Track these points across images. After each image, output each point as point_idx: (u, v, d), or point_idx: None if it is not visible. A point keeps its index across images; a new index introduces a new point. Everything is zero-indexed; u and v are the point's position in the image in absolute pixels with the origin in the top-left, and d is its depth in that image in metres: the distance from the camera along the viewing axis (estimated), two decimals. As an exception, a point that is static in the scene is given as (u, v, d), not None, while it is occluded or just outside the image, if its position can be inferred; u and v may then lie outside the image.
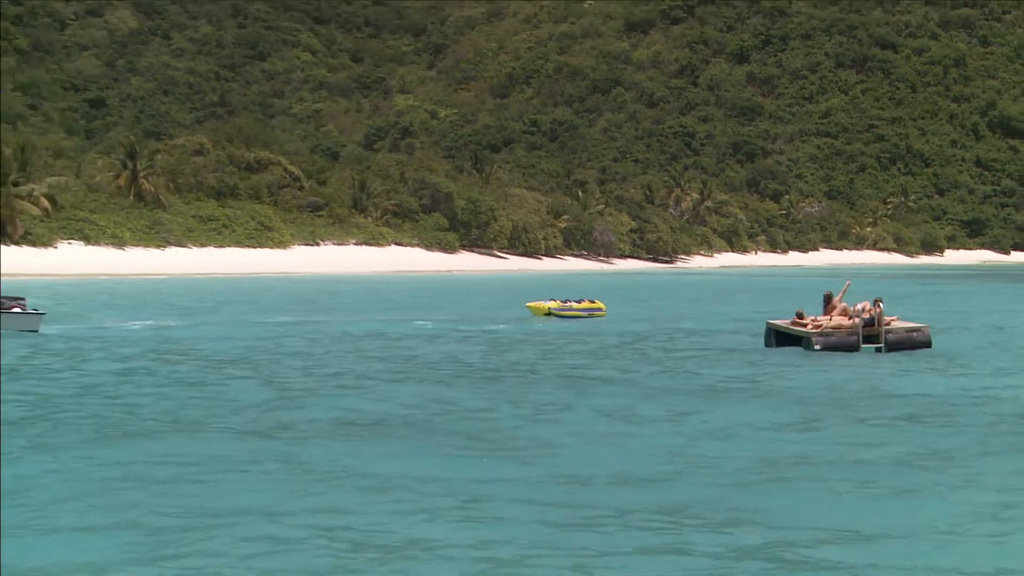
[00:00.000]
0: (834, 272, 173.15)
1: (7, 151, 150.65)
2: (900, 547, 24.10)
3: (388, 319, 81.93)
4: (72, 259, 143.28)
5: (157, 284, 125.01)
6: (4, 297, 60.93)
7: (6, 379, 44.21)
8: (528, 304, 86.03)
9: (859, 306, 60.06)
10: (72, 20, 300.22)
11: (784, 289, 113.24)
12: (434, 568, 22.33)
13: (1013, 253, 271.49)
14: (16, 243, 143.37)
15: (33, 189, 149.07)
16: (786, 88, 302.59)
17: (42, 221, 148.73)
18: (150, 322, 75.32)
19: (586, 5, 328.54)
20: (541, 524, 24.58)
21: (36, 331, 59.81)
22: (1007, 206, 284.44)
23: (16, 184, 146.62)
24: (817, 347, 57.76)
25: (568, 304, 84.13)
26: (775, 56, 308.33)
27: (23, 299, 61.94)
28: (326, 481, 28.68)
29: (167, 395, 43.89)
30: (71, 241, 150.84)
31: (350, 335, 68.70)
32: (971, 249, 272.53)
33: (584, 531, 23.78)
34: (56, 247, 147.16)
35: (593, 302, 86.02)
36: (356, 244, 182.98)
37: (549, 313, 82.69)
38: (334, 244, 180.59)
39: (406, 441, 34.37)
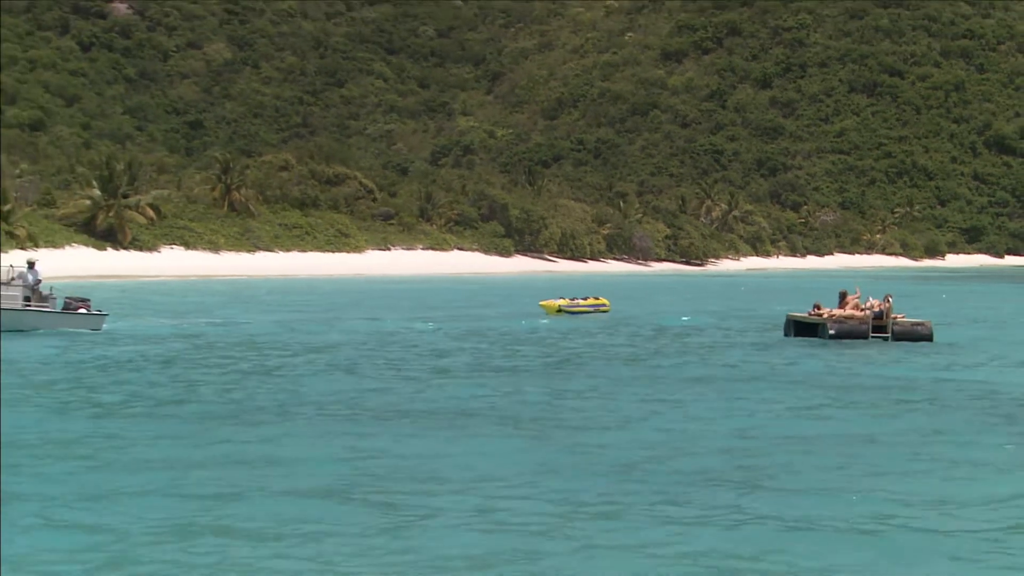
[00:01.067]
0: (847, 274, 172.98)
1: (119, 167, 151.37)
2: (901, 490, 25.19)
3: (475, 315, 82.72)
4: (173, 262, 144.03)
5: (252, 284, 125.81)
6: (71, 299, 60.71)
7: (81, 370, 45.25)
8: (541, 303, 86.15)
9: (870, 301, 61.26)
10: (174, 52, 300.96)
11: (802, 289, 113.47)
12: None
13: (1007, 257, 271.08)
14: (125, 248, 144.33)
15: (140, 200, 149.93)
16: (804, 110, 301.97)
17: (147, 228, 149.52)
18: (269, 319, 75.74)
19: (627, 37, 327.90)
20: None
21: (99, 329, 59.78)
22: (1001, 215, 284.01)
23: (125, 196, 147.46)
24: (832, 332, 58.86)
25: (575, 301, 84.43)
26: (795, 82, 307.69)
27: (88, 300, 62.05)
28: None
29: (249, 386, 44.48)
30: (172, 246, 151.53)
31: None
32: (969, 253, 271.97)
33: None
34: (159, 251, 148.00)
35: (598, 299, 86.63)
36: (423, 249, 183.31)
37: (559, 310, 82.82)
38: (403, 249, 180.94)
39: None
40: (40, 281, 59.60)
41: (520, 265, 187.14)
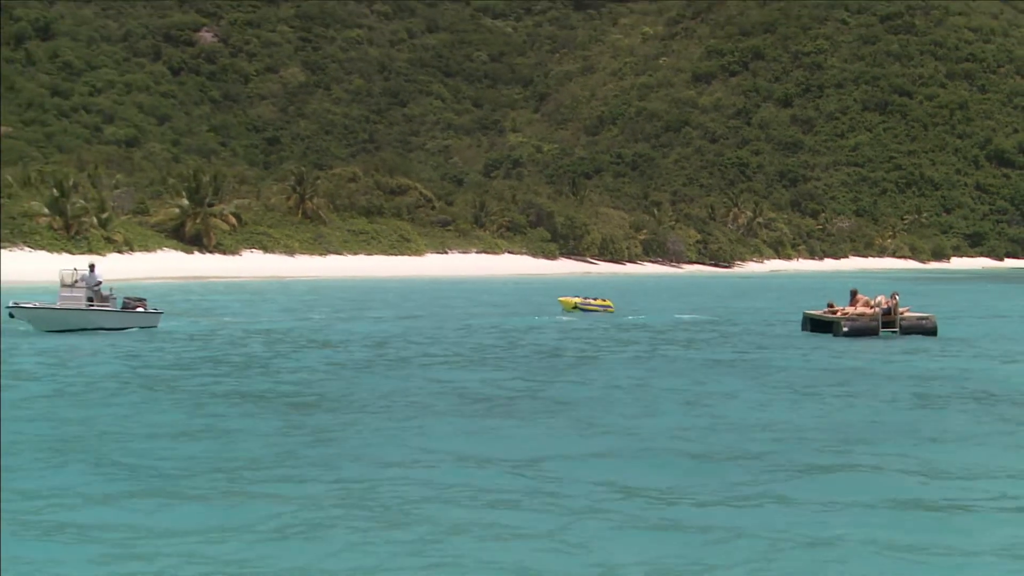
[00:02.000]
0: (861, 275, 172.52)
1: (205, 179, 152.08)
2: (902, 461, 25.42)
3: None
4: (252, 264, 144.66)
5: (322, 284, 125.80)
6: (129, 299, 60.69)
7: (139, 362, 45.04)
8: (560, 299, 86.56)
9: (878, 299, 61.38)
10: (254, 76, 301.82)
11: (819, 288, 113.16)
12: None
13: (1007, 260, 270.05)
14: (210, 251, 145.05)
15: (223, 209, 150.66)
16: (822, 127, 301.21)
17: (230, 234, 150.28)
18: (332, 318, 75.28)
19: (661, 61, 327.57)
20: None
21: (155, 327, 59.65)
22: (1001, 222, 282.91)
23: (211, 205, 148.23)
24: (845, 329, 58.99)
25: (587, 301, 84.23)
26: (813, 101, 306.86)
27: (145, 300, 61.88)
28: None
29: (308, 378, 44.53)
30: (252, 250, 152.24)
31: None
32: (972, 257, 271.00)
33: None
34: (240, 255, 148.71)
35: (605, 300, 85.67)
36: (476, 252, 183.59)
37: (575, 307, 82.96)
38: (459, 253, 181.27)
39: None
40: (100, 282, 59.19)
41: (564, 267, 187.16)
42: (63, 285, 58.15)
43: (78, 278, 58.19)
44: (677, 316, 79.29)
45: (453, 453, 26.79)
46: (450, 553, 19.25)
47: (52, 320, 57.06)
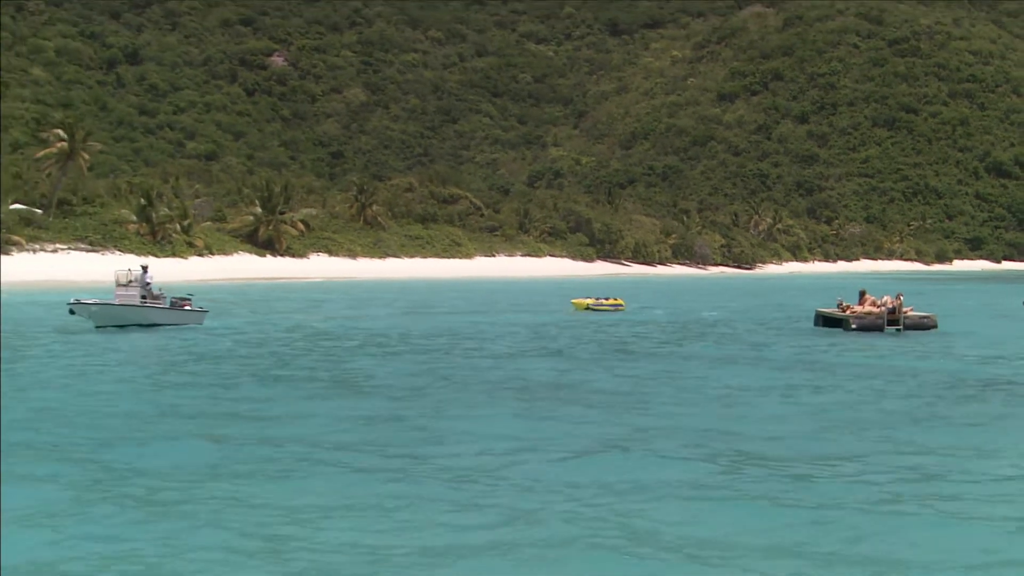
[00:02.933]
0: (871, 277, 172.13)
1: (276, 189, 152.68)
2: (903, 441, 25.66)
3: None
4: (319, 266, 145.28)
5: (385, 285, 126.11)
6: (176, 298, 60.71)
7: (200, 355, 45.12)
8: (572, 301, 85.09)
9: (884, 298, 62.09)
10: (320, 96, 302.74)
11: (832, 288, 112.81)
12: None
13: (1004, 262, 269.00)
14: (281, 254, 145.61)
15: (292, 216, 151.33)
16: (835, 141, 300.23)
17: (298, 239, 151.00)
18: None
19: (689, 82, 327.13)
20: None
21: (201, 324, 59.66)
22: (999, 228, 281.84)
23: (281, 213, 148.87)
24: (853, 326, 59.66)
25: (599, 301, 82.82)
26: (827, 118, 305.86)
27: (190, 299, 61.83)
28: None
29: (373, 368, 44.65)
30: (318, 253, 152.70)
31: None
32: (973, 259, 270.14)
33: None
34: (308, 258, 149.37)
35: (616, 299, 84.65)
36: (521, 255, 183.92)
37: (588, 308, 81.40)
38: (505, 256, 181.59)
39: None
40: (151, 282, 59.78)
41: (601, 269, 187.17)
42: (118, 284, 58.95)
43: (132, 278, 59.00)
44: (705, 314, 79.27)
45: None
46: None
47: (109, 316, 57.32)
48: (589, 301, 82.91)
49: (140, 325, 57.74)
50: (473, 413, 30.89)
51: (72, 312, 56.84)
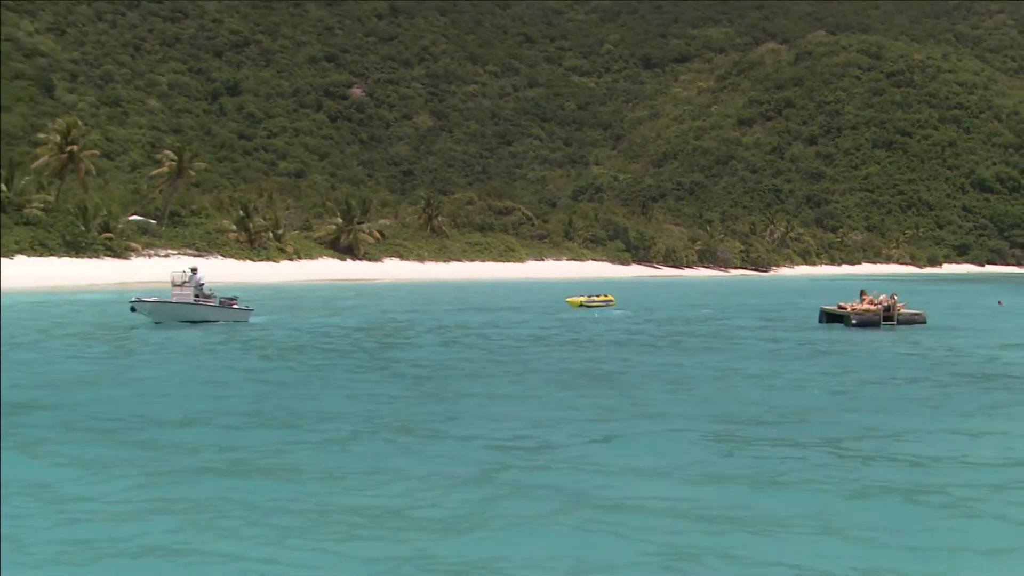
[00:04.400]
0: (871, 278, 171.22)
1: (355, 202, 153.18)
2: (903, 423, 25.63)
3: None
4: (391, 269, 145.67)
5: (453, 285, 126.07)
6: (224, 298, 59.70)
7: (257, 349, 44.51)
8: (567, 299, 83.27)
9: (881, 297, 62.48)
10: (393, 122, 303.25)
11: (838, 289, 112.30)
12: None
13: (987, 266, 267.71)
14: (359, 259, 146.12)
15: (369, 226, 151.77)
16: (840, 161, 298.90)
17: (374, 245, 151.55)
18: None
19: (712, 108, 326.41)
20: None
21: (247, 321, 58.57)
22: (983, 236, 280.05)
23: (359, 223, 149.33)
24: (853, 322, 59.93)
25: (591, 298, 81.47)
26: (833, 140, 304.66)
27: (236, 298, 60.85)
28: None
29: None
30: (391, 258, 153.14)
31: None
32: (960, 263, 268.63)
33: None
34: (382, 262, 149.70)
35: (607, 296, 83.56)
36: (567, 260, 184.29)
37: (581, 304, 79.74)
38: (553, 260, 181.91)
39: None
40: (203, 283, 58.95)
41: (635, 272, 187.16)
42: (174, 285, 58.33)
43: (186, 279, 58.25)
44: (740, 309, 79.08)
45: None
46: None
47: (166, 313, 56.74)
48: (582, 299, 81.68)
49: (192, 321, 56.92)
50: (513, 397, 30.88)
51: (133, 309, 56.52)
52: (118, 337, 49.45)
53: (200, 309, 57.70)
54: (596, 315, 70.81)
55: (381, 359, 41.63)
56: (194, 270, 59.73)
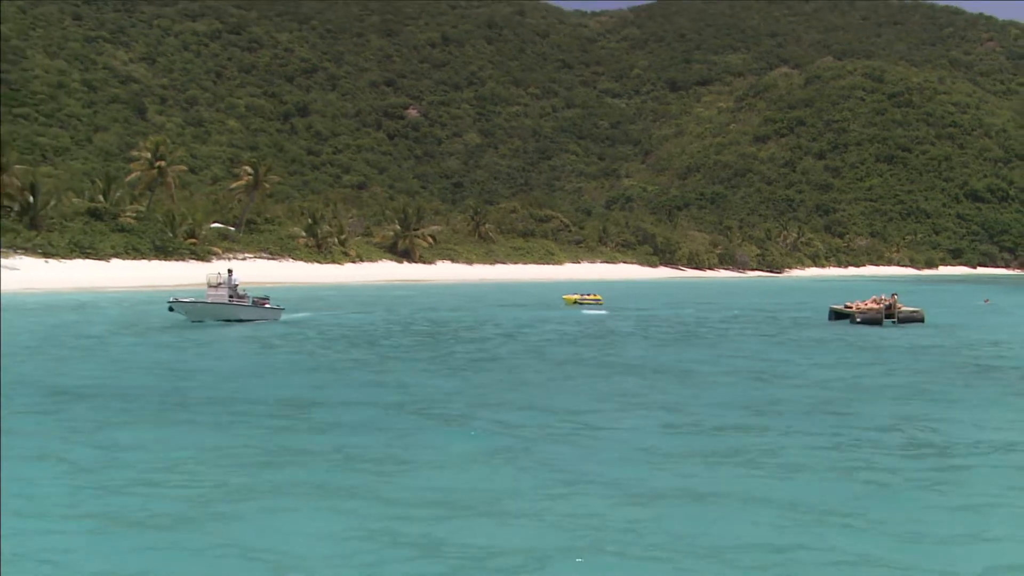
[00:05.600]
0: (874, 278, 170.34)
1: (411, 211, 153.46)
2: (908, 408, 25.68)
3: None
4: (443, 271, 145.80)
5: (493, 285, 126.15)
6: (257, 298, 57.87)
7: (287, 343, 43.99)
8: (564, 296, 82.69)
9: (883, 297, 62.97)
10: (444, 139, 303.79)
11: (845, 289, 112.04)
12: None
13: (978, 268, 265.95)
14: (414, 261, 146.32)
15: (423, 232, 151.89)
16: (847, 174, 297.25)
17: (428, 249, 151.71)
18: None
19: (731, 127, 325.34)
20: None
21: (279, 320, 56.73)
22: (975, 241, 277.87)
23: (415, 229, 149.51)
24: (858, 320, 60.22)
25: (584, 297, 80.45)
26: (840, 155, 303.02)
27: (268, 298, 58.91)
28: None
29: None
30: (443, 261, 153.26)
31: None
32: (954, 266, 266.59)
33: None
34: (435, 264, 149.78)
35: (596, 295, 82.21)
36: (600, 262, 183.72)
37: (575, 302, 78.83)
38: (588, 262, 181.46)
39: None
40: (237, 284, 57.01)
41: (662, 273, 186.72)
42: (210, 286, 56.48)
43: (222, 280, 56.42)
44: (735, 311, 78.73)
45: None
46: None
47: (202, 312, 55.05)
48: (576, 297, 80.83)
49: (227, 320, 55.30)
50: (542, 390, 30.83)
51: (171, 309, 54.82)
52: (202, 328, 50.05)
53: (234, 309, 56.01)
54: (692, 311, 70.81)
55: (457, 349, 41.98)
56: (230, 272, 57.94)
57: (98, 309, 62.95)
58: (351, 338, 47.45)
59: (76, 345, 41.46)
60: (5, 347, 38.40)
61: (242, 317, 55.83)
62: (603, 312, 71.87)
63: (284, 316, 58.96)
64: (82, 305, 66.85)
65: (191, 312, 54.86)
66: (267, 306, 57.71)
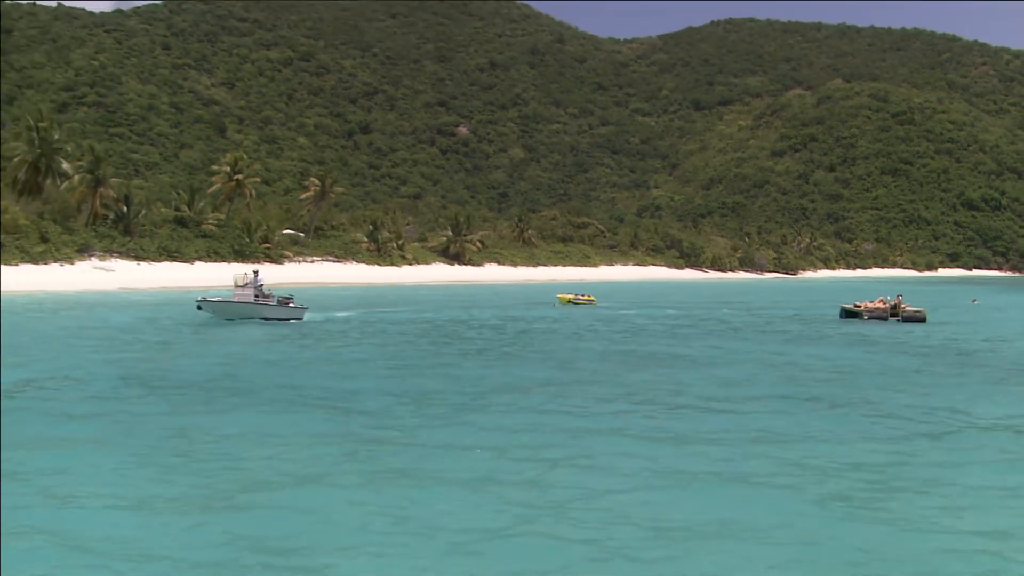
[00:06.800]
0: (880, 279, 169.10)
1: (461, 218, 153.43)
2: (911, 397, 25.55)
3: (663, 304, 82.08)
4: (490, 272, 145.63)
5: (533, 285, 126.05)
6: (281, 297, 54.68)
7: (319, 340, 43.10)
8: (558, 295, 79.70)
9: (888, 297, 63.35)
10: (492, 154, 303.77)
11: (853, 290, 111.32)
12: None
13: (974, 270, 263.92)
14: (464, 264, 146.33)
15: (473, 237, 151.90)
16: (855, 185, 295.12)
17: (477, 253, 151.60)
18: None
19: (750, 142, 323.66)
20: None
21: (302, 319, 53.42)
22: (970, 246, 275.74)
23: (465, 235, 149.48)
24: (866, 317, 60.33)
25: (577, 297, 77.04)
26: (849, 168, 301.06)
27: (291, 297, 55.59)
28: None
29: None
30: (491, 263, 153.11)
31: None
32: (952, 268, 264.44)
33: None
34: (483, 266, 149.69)
35: (589, 296, 78.77)
36: (632, 265, 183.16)
37: (570, 301, 75.57)
38: (621, 265, 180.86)
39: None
40: (262, 284, 54.30)
41: (688, 275, 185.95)
42: (236, 286, 54.09)
43: (248, 281, 53.92)
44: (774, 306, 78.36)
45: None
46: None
47: (229, 311, 52.48)
48: (571, 296, 77.64)
49: (253, 319, 52.47)
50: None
51: (199, 308, 52.41)
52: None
53: (259, 308, 53.18)
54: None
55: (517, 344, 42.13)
56: (255, 272, 55.21)
57: (180, 305, 63.23)
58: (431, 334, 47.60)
59: (159, 338, 41.75)
60: (111, 336, 38.81)
61: (267, 316, 53.14)
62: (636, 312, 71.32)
63: (341, 314, 57.54)
64: (170, 301, 67.38)
65: (218, 311, 52.72)
66: (291, 305, 54.68)
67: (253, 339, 43.10)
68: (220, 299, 53.73)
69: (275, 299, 54.45)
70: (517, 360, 35.63)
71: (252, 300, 53.15)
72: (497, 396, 26.19)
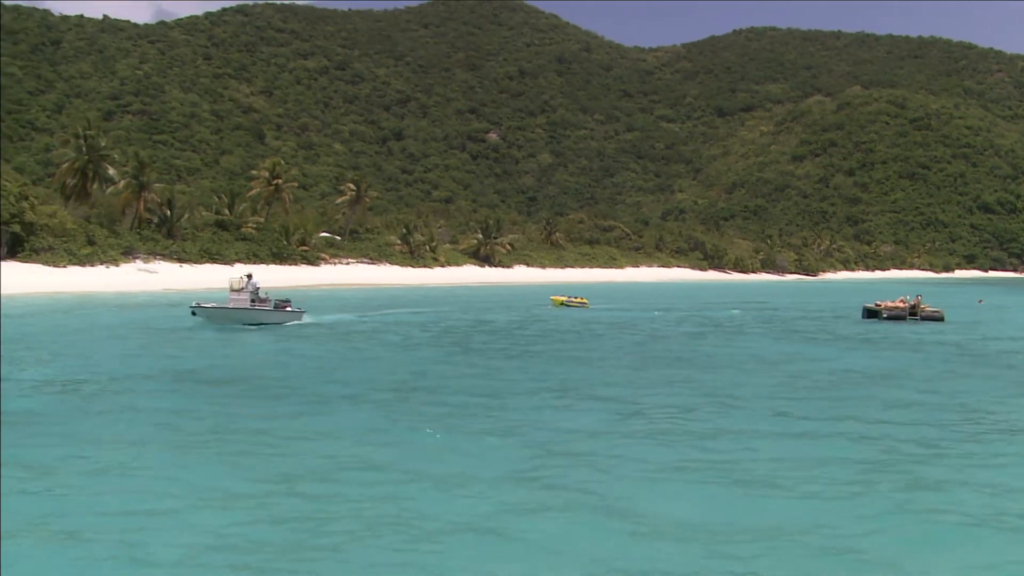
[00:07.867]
0: (898, 280, 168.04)
1: (491, 222, 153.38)
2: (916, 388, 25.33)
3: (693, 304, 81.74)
4: (520, 274, 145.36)
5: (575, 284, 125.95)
6: (278, 300, 51.31)
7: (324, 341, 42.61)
8: (552, 297, 77.47)
9: (908, 297, 63.50)
10: (521, 159, 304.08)
11: (873, 291, 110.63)
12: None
13: (990, 272, 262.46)
14: (495, 266, 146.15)
15: (503, 240, 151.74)
16: (873, 188, 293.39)
17: (506, 255, 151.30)
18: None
19: (771, 148, 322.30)
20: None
21: (301, 321, 51.26)
22: (987, 248, 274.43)
23: (495, 238, 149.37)
24: (885, 316, 60.43)
25: (571, 299, 74.36)
26: (868, 172, 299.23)
27: (289, 301, 52.47)
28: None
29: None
30: (520, 265, 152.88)
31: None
32: (968, 270, 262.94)
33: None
34: (513, 268, 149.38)
35: (582, 299, 75.98)
36: (657, 267, 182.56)
37: (563, 303, 73.34)
38: (646, 267, 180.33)
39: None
40: (258, 288, 51.00)
41: (711, 276, 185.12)
42: (232, 290, 50.61)
43: (244, 284, 50.44)
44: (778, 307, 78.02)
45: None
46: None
47: (225, 316, 49.28)
48: (564, 298, 75.17)
49: (249, 324, 49.39)
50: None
51: (194, 314, 49.04)
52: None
53: (255, 313, 50.04)
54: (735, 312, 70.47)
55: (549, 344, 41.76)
56: (249, 276, 51.56)
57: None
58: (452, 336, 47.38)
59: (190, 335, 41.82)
60: (160, 330, 38.87)
61: (263, 321, 50.21)
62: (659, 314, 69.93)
63: (365, 316, 56.13)
64: (212, 301, 67.53)
65: (213, 316, 49.51)
66: (288, 309, 51.96)
67: (295, 335, 43.09)
68: (215, 305, 50.85)
69: (272, 303, 51.43)
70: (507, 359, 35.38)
71: (248, 305, 50.15)
72: (479, 399, 26.00)
